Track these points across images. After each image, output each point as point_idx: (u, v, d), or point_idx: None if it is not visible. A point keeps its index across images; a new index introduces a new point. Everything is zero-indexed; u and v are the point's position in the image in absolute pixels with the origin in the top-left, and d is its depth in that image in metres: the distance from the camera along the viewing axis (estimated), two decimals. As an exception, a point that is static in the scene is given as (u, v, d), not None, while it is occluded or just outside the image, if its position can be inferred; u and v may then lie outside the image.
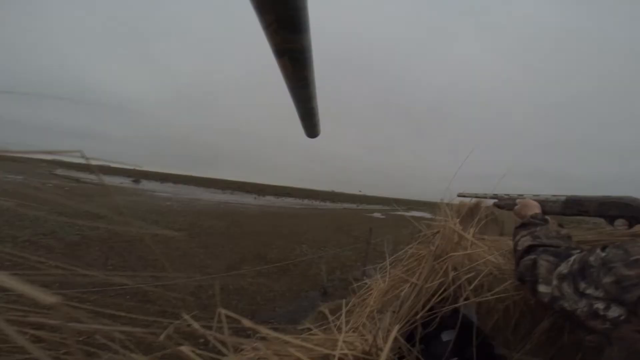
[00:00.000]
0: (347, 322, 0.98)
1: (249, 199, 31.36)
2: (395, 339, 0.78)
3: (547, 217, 0.98)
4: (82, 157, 0.46)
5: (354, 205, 41.92)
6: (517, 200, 1.12)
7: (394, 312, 0.93)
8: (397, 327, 0.69)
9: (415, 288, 0.93)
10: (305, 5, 0.39)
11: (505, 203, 1.22)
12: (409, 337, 0.89)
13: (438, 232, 1.04)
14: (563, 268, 0.68)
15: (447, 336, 0.90)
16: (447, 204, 1.20)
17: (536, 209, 1.02)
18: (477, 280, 0.98)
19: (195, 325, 0.57)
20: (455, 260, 0.97)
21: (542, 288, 0.71)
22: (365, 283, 1.28)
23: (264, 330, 0.61)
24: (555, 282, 0.68)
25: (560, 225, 0.96)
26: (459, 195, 1.46)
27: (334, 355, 0.65)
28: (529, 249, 0.82)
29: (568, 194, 1.04)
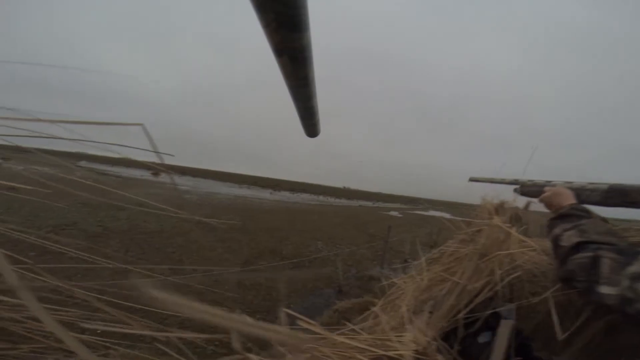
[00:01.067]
0: (378, 323, 0.95)
1: (265, 194, 31.63)
2: (433, 338, 0.74)
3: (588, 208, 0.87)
4: (143, 130, 0.45)
5: (369, 203, 41.67)
6: (546, 188, 0.99)
7: (430, 312, 0.92)
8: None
9: (457, 287, 0.90)
10: (305, 4, 0.39)
11: (529, 190, 1.08)
12: (445, 337, 0.87)
13: (480, 230, 0.98)
14: (637, 267, 0.61)
15: (484, 338, 0.87)
16: (489, 203, 1.14)
17: (571, 198, 0.91)
18: (523, 280, 0.94)
19: (256, 327, 0.54)
20: (499, 259, 0.93)
21: (605, 289, 0.64)
22: (394, 282, 1.23)
23: (325, 333, 0.59)
24: (626, 282, 0.61)
25: (604, 220, 0.85)
26: (471, 180, 1.34)
27: (388, 356, 0.62)
28: (579, 246, 0.73)
29: (609, 182, 0.92)
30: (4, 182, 0.67)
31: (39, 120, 0.47)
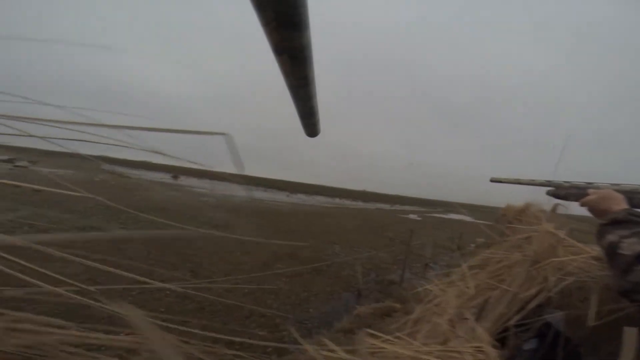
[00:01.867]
0: (418, 331, 0.92)
1: (281, 197, 31.84)
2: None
3: None
4: (227, 141, 0.45)
5: (387, 206, 41.26)
6: (590, 190, 0.89)
7: (476, 320, 0.89)
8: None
9: (506, 295, 0.88)
10: (305, 3, 0.39)
11: (568, 192, 0.98)
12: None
13: (530, 236, 0.92)
14: None
15: (530, 345, 0.85)
16: (540, 208, 1.08)
17: (623, 202, 0.81)
18: (572, 287, 0.89)
19: (340, 353, 0.49)
20: (552, 266, 0.90)
21: None
22: (429, 289, 1.17)
23: (392, 345, 0.55)
24: None
25: None
26: (492, 181, 1.25)
27: None
28: None
29: None
30: (29, 185, 0.64)
31: (103, 125, 0.45)
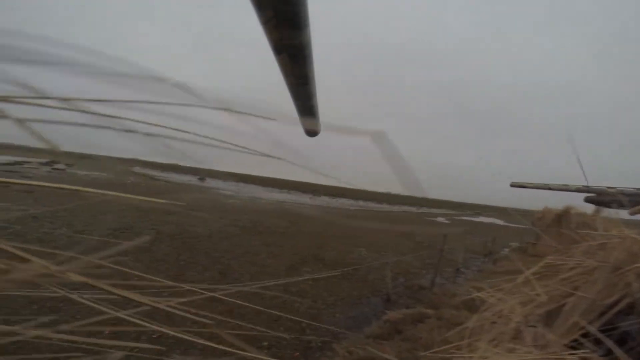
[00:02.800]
0: (479, 340, 0.88)
1: (305, 199, 31.98)
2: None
3: None
4: (383, 138, 0.44)
5: (413, 209, 40.49)
6: None
7: (550, 326, 0.86)
8: None
9: (582, 302, 0.84)
10: (305, 1, 0.39)
11: (614, 199, 0.89)
12: None
13: (606, 243, 0.84)
14: None
15: (602, 351, 0.81)
16: (596, 214, 0.98)
17: None
18: None
19: None
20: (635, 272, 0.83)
21: None
22: (481, 297, 1.10)
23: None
24: None
25: None
26: (512, 185, 1.17)
27: None
28: None
29: None
30: (69, 186, 0.62)
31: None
